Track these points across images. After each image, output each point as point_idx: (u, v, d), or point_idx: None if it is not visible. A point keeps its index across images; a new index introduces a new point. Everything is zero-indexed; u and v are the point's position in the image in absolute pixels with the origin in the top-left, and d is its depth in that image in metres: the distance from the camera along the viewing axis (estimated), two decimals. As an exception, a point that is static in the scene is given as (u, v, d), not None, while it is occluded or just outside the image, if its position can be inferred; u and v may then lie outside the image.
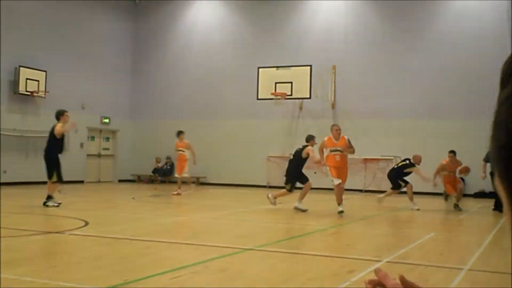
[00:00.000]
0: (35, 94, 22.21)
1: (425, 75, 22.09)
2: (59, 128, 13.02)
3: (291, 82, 22.75)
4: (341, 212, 11.98)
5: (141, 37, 27.73)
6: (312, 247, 8.14)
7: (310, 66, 22.61)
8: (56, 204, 12.90)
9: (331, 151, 12.59)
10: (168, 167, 26.34)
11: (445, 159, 14.25)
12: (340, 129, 12.95)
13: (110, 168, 26.75)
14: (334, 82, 23.34)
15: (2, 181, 20.41)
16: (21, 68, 21.73)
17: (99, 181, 25.93)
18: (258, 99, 23.41)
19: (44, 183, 19.36)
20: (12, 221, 10.30)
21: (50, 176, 13.41)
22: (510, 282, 6.00)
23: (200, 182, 25.48)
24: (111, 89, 26.37)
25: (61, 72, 23.42)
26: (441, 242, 9.15)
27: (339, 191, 12.42)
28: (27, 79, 21.93)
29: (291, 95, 22.81)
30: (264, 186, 23.84)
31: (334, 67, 23.32)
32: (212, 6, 26.41)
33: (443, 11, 22.35)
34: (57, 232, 8.91)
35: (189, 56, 26.55)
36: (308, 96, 22.66)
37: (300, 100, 23.35)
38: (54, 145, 13.18)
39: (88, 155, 25.43)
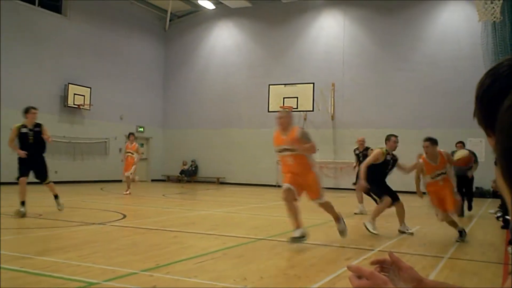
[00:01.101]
0: (81, 107, 22.38)
1: (409, 91, 22.06)
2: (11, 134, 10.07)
3: (297, 97, 22.75)
4: (296, 239, 6.91)
5: (170, 58, 27.84)
6: (315, 237, 8.10)
7: (313, 83, 22.60)
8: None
9: (278, 151, 7.30)
10: (193, 168, 26.37)
11: (421, 155, 8.35)
12: (287, 117, 7.33)
13: (144, 169, 26.81)
14: (333, 97, 23.29)
15: (54, 180, 20.51)
16: (70, 85, 21.91)
17: (134, 180, 25.99)
18: (268, 111, 23.40)
19: (88, 182, 19.42)
20: (62, 214, 10.35)
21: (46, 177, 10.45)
22: (483, 268, 5.94)
23: (219, 182, 25.49)
24: (145, 102, 26.50)
25: (103, 88, 23.60)
26: (425, 234, 9.07)
27: (290, 208, 7.06)
28: (74, 94, 22.10)
29: (296, 108, 22.77)
30: (274, 186, 23.80)
31: (333, 85, 23.27)
32: (229, 32, 26.49)
33: (426, 37, 22.25)
34: (100, 223, 8.95)
35: (210, 74, 26.64)
36: (311, 109, 22.63)
37: (304, 112, 23.30)
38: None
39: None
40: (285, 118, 7.31)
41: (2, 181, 16.86)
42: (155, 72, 27.46)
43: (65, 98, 21.86)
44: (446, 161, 8.18)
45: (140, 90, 26.21)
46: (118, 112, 24.64)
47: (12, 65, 19.62)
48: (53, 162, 20.94)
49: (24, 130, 9.95)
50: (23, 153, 9.76)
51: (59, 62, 21.66)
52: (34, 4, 21.08)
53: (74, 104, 22.05)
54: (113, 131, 24.29)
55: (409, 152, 19.99)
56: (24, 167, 9.90)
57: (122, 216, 10.00)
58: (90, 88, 22.70)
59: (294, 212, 7.08)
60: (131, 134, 16.90)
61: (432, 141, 8.23)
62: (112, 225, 8.81)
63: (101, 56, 23.82)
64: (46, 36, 21.22)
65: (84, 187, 18.82)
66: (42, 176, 10.23)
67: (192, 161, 26.51)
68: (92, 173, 22.69)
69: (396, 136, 8.98)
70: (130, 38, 25.67)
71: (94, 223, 8.98)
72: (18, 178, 9.83)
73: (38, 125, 10.08)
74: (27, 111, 10.12)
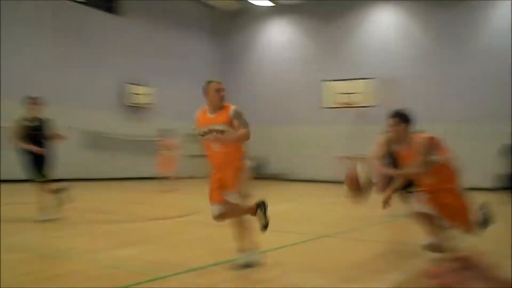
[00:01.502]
0: (142, 106, 22.84)
1: (471, 83, 21.23)
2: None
3: (352, 93, 22.47)
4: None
5: (226, 54, 28.04)
6: (379, 236, 7.85)
7: (369, 78, 22.29)
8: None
9: (202, 134, 5.55)
10: (256, 164, 26.47)
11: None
12: (223, 90, 5.70)
13: (204, 166, 27.04)
14: (391, 92, 22.73)
15: (117, 176, 21.08)
16: (131, 84, 22.47)
17: (193, 177, 26.29)
18: (325, 107, 23.24)
19: (151, 179, 19.60)
20: (127, 210, 10.52)
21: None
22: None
23: (279, 178, 25.45)
24: (203, 99, 26.73)
25: (162, 86, 23.97)
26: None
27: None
28: (136, 93, 22.65)
29: (352, 103, 22.50)
30: (332, 182, 23.53)
31: (390, 79, 22.75)
32: (282, 28, 26.58)
33: (485, 27, 21.41)
34: (165, 219, 9.02)
35: (265, 69, 26.73)
36: (367, 105, 22.24)
37: (360, 108, 22.89)
38: None
39: (186, 156, 25.82)
40: (223, 90, 5.64)
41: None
42: (213, 68, 27.69)
43: (125, 97, 22.41)
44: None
45: (198, 88, 26.38)
46: (178, 110, 24.93)
47: (74, 66, 20.41)
48: (116, 158, 21.58)
49: None
50: None
51: (122, 63, 22.22)
52: (91, 5, 21.65)
53: (135, 103, 22.55)
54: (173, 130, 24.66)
55: (479, 147, 19.37)
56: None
57: (187, 212, 10.03)
58: (151, 87, 23.11)
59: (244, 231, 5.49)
60: (165, 130, 15.98)
61: (402, 119, 5.54)
62: (178, 220, 8.88)
63: (161, 56, 24.24)
64: (105, 37, 21.88)
65: (146, 184, 19.17)
66: None
67: (253, 158, 26.59)
68: (155, 170, 23.09)
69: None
70: (188, 36, 26.05)
71: (160, 219, 9.06)
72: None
73: None
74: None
